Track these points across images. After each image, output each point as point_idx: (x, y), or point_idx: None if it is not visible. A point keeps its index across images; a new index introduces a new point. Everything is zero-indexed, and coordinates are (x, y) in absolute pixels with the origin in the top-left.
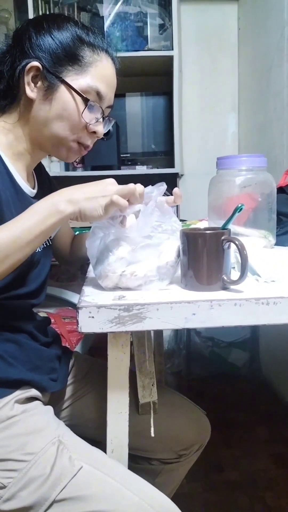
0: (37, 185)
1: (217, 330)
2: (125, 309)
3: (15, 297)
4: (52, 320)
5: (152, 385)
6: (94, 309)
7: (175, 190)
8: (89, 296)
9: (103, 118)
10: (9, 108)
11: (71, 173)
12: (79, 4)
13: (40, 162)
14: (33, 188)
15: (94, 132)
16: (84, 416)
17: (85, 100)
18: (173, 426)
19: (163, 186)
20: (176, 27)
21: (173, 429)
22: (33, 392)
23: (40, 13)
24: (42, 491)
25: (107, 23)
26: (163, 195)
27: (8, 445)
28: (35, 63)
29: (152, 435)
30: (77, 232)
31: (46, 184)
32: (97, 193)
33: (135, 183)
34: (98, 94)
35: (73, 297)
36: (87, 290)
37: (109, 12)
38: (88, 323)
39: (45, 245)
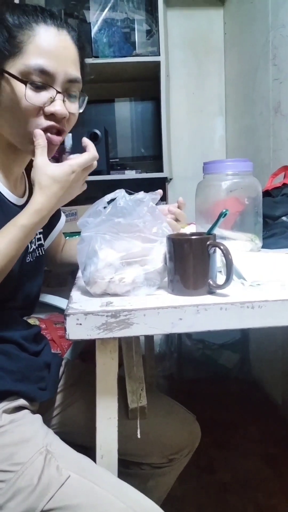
0: (29, 193)
1: (207, 332)
2: (112, 316)
3: (4, 307)
4: (43, 326)
5: (141, 390)
6: (82, 316)
7: (180, 199)
8: (77, 302)
9: (78, 96)
10: None
11: None
12: (66, 10)
13: None
14: (22, 196)
15: (53, 115)
16: (74, 423)
17: (23, 82)
18: (163, 430)
19: (157, 196)
20: (163, 32)
21: (163, 434)
22: (21, 401)
23: None
24: (30, 502)
25: (94, 29)
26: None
27: None
28: None
29: (138, 436)
30: (68, 238)
31: None
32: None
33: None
34: (44, 72)
35: (63, 303)
36: (75, 296)
37: (96, 19)
38: (76, 330)
39: (37, 255)
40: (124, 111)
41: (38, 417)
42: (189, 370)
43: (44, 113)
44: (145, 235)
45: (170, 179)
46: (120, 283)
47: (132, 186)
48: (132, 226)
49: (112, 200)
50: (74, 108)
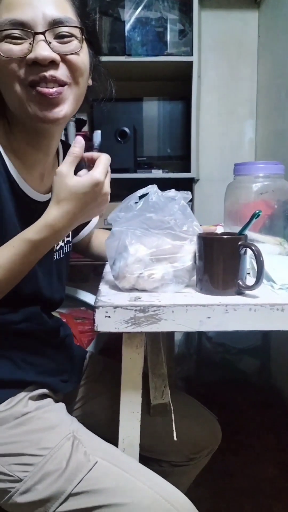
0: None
1: (229, 336)
2: (141, 310)
3: (31, 304)
4: (64, 320)
5: (165, 387)
6: (111, 309)
7: None
8: (106, 296)
9: (75, 37)
10: None
11: None
12: (101, 8)
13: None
14: (48, 192)
15: (36, 63)
16: (96, 415)
17: None
18: (185, 429)
19: (188, 195)
20: (196, 33)
21: (185, 432)
22: (45, 390)
23: None
24: (59, 485)
25: (127, 27)
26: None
27: (24, 440)
28: None
29: (175, 439)
30: None
31: None
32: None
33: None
34: (16, 23)
35: (86, 297)
36: (103, 290)
37: (130, 17)
38: (105, 323)
39: (65, 251)
40: (152, 110)
41: (62, 405)
42: (207, 373)
43: (28, 63)
44: (175, 232)
45: (197, 179)
46: (149, 279)
47: (159, 186)
48: (163, 222)
49: (144, 195)
50: (68, 48)
